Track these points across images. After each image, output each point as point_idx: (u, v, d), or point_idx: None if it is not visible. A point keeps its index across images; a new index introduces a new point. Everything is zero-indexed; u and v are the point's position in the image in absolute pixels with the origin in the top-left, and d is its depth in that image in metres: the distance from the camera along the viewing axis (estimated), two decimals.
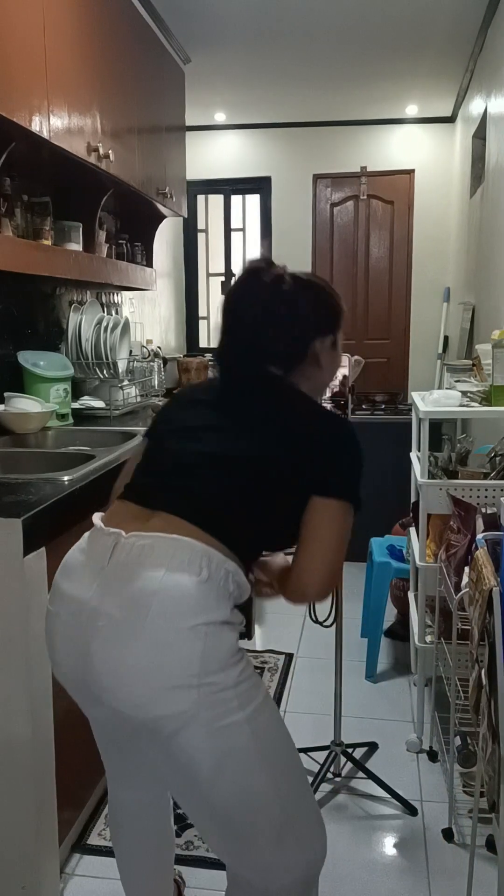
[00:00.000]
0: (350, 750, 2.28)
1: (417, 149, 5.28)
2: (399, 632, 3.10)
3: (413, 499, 2.72)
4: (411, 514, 2.66)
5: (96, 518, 1.32)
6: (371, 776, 2.18)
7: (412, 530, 2.62)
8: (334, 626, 2.22)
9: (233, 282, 1.44)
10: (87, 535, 1.31)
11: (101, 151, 2.65)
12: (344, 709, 2.31)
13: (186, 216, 4.07)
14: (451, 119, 5.16)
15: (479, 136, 4.05)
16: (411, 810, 2.10)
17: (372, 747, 2.39)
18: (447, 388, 2.41)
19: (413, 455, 2.63)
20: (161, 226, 4.80)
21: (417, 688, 2.40)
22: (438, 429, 3.98)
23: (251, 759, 1.19)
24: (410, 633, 2.61)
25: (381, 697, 2.72)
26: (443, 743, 2.29)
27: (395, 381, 5.41)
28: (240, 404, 1.37)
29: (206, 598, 1.18)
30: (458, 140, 4.96)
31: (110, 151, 2.71)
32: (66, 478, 1.89)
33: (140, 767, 1.43)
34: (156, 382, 3.58)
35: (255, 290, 1.36)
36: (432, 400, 2.25)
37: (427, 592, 2.31)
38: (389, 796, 2.14)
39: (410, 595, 2.76)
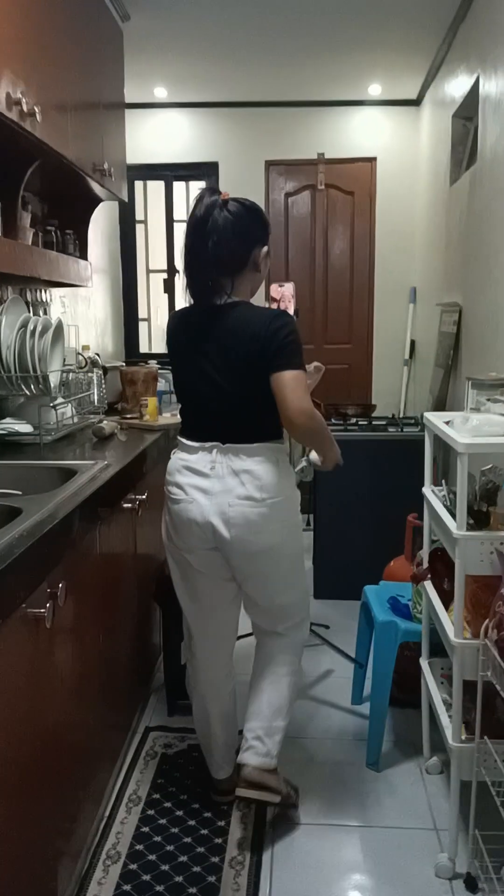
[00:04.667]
0: None
1: (380, 134, 4.81)
2: (396, 695, 2.57)
3: (425, 545, 2.19)
4: (426, 566, 2.14)
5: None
6: None
7: (429, 588, 2.10)
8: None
9: (190, 207, 1.87)
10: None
11: (25, 107, 2.04)
12: (344, 811, 1.80)
13: (127, 200, 3.46)
14: (416, 102, 4.71)
15: (463, 115, 3.59)
16: None
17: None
18: (475, 410, 1.91)
19: (428, 491, 2.11)
20: (96, 216, 4.19)
21: (451, 796, 1.88)
22: (419, 447, 3.50)
23: None
24: (438, 724, 2.08)
25: (390, 793, 2.18)
26: (487, 868, 1.78)
27: (358, 390, 4.93)
28: (218, 347, 1.84)
29: None
30: (426, 125, 4.51)
31: (36, 109, 2.09)
32: None
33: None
34: (95, 398, 2.96)
35: (207, 208, 1.81)
36: (471, 428, 1.73)
37: (465, 676, 1.79)
38: None
39: (423, 663, 2.24)
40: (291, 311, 2.28)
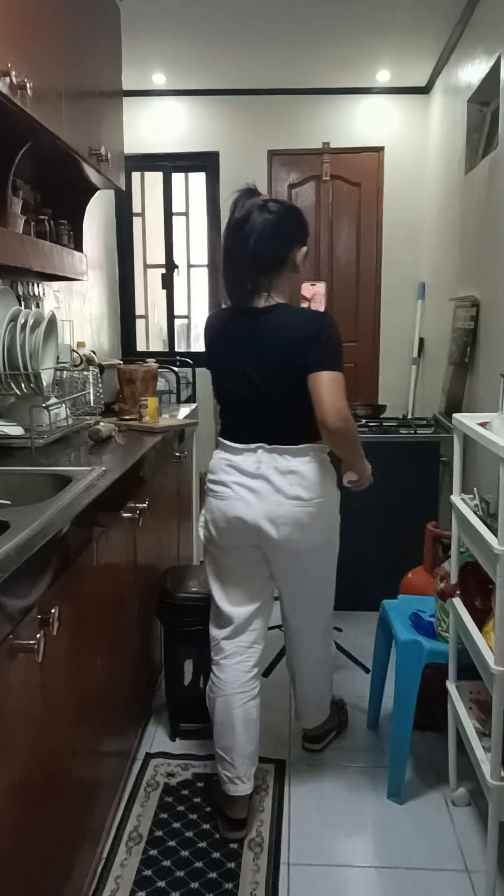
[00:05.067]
0: None
1: (387, 123, 4.63)
2: (416, 717, 2.39)
3: (453, 558, 2.01)
4: (456, 582, 1.96)
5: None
6: None
7: (459, 605, 1.91)
8: None
9: (230, 205, 1.86)
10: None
11: (15, 80, 1.85)
12: (365, 850, 1.65)
13: (124, 188, 3.27)
14: (425, 90, 4.53)
15: (479, 101, 3.41)
16: None
17: None
18: None
19: (457, 500, 1.93)
20: (91, 209, 4.01)
21: (489, 838, 1.70)
22: (434, 450, 3.32)
23: None
24: (469, 752, 1.90)
25: (415, 829, 2.00)
26: None
27: (365, 389, 4.75)
28: (260, 350, 1.84)
29: None
30: (436, 112, 4.33)
31: (27, 83, 1.90)
32: None
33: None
34: (91, 398, 2.77)
35: (248, 209, 1.81)
36: None
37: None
38: None
39: (451, 687, 2.06)
40: (322, 311, 2.24)
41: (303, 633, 2.14)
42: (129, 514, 2.03)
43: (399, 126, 4.61)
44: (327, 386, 1.75)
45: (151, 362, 4.22)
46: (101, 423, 2.47)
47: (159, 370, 3.84)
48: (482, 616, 1.84)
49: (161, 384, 3.40)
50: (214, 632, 2.05)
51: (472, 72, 3.40)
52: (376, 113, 4.61)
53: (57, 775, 1.48)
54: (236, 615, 2.00)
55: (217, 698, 2.01)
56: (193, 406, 3.71)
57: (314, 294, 2.24)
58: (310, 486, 1.86)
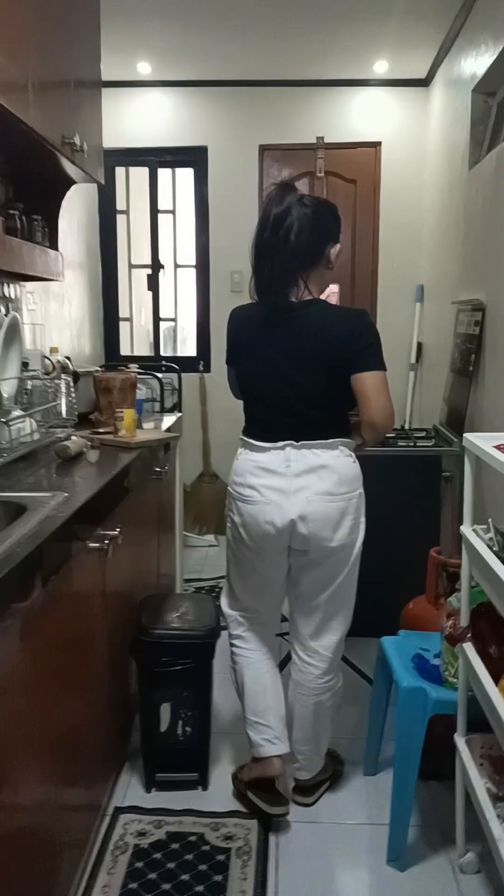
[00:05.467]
0: None
1: (385, 117, 4.39)
2: (421, 767, 2.15)
3: (463, 596, 1.78)
4: (467, 625, 1.72)
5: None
6: None
7: (470, 652, 1.68)
8: None
9: (265, 198, 1.88)
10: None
11: None
12: None
13: (103, 182, 3.04)
14: (424, 82, 4.30)
15: (484, 91, 3.18)
16: None
17: None
18: None
19: (468, 532, 1.69)
20: (70, 205, 3.80)
21: None
22: (435, 465, 3.09)
23: None
24: (478, 814, 1.67)
25: None
26: None
27: None
28: (297, 345, 1.85)
29: None
30: (437, 105, 4.10)
31: None
32: None
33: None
34: (63, 409, 2.54)
35: (288, 203, 1.83)
36: None
37: None
38: None
39: (459, 741, 1.83)
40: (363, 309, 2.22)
41: (315, 648, 2.00)
42: (97, 545, 1.80)
43: (397, 120, 4.38)
44: (378, 387, 1.81)
45: (135, 367, 3.99)
46: (72, 438, 2.24)
47: (142, 377, 3.61)
48: (497, 665, 1.62)
49: (143, 392, 3.16)
50: (230, 610, 2.09)
51: (476, 60, 3.17)
52: (373, 106, 4.38)
53: (7, 839, 1.24)
54: (252, 606, 2.05)
55: (245, 668, 2.05)
56: (178, 416, 3.48)
57: (328, 295, 2.08)
58: (340, 481, 1.86)
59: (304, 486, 1.84)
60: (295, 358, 1.84)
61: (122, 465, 2.10)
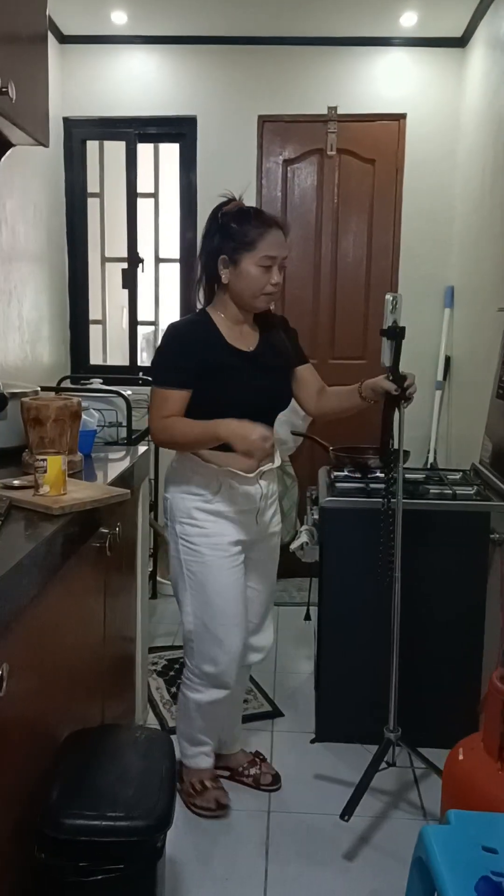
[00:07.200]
0: None
1: (412, 84, 3.72)
2: None
3: None
4: None
5: None
6: None
7: None
8: None
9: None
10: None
11: None
12: None
13: (48, 146, 2.32)
14: (460, 42, 3.61)
15: None
16: None
17: None
18: None
19: None
20: (22, 181, 3.14)
21: None
22: (480, 524, 2.35)
23: None
24: None
25: None
26: None
27: (375, 421, 3.77)
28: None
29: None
30: (476, 70, 3.40)
31: None
32: None
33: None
34: None
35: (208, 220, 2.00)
36: None
37: None
38: None
39: None
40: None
41: None
42: None
43: (426, 87, 3.70)
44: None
45: (98, 381, 3.25)
46: None
47: (102, 396, 2.89)
48: None
49: (94, 420, 2.42)
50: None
51: None
52: (398, 70, 3.71)
53: None
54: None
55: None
56: (148, 446, 2.72)
57: None
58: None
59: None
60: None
61: (32, 546, 1.35)
